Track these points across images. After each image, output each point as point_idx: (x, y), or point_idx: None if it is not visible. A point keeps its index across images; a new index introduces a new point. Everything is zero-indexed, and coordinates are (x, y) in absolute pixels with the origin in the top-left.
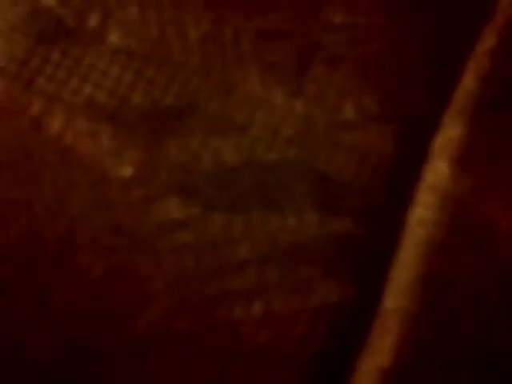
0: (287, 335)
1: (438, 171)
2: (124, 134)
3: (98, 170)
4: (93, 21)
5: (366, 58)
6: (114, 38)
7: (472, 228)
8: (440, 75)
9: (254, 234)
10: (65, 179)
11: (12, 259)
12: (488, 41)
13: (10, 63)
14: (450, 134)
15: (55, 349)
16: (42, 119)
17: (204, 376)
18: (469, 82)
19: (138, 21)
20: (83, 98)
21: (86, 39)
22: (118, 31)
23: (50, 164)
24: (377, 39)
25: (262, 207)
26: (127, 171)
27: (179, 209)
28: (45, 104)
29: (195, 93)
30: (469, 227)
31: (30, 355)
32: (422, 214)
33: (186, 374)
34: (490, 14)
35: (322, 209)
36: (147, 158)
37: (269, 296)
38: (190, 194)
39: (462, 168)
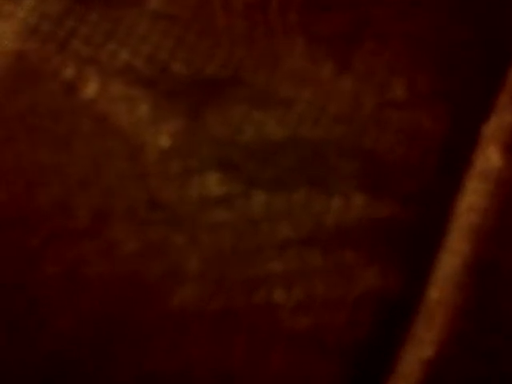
0: (328, 322)
1: (489, 158)
2: (162, 102)
3: (134, 139)
4: None
5: (416, 34)
6: (154, 2)
7: None
8: (492, 55)
9: (297, 215)
10: (99, 147)
11: (42, 228)
12: None
13: (42, 22)
14: (502, 119)
15: (82, 324)
16: (76, 83)
17: (242, 355)
18: None
19: None
20: (120, 63)
21: (125, 2)
22: None
23: (83, 130)
24: (426, 15)
25: (305, 186)
26: (165, 142)
27: (219, 184)
28: (79, 67)
29: (238, 63)
30: None
31: (55, 330)
32: (472, 200)
33: (223, 353)
34: None
35: (369, 191)
36: (187, 129)
37: (310, 280)
38: (231, 169)
39: None
